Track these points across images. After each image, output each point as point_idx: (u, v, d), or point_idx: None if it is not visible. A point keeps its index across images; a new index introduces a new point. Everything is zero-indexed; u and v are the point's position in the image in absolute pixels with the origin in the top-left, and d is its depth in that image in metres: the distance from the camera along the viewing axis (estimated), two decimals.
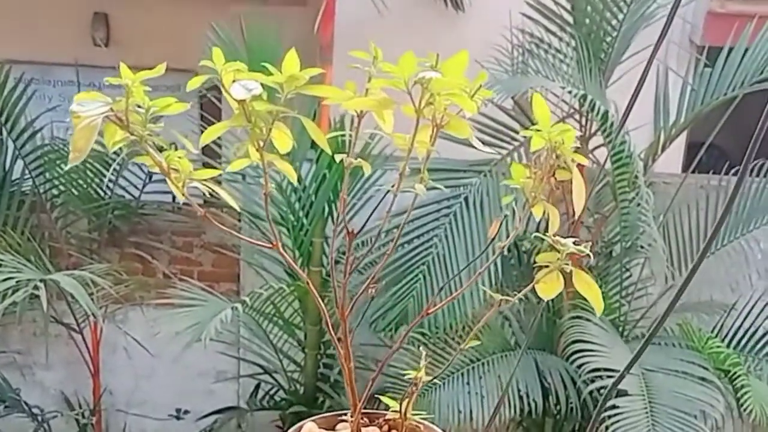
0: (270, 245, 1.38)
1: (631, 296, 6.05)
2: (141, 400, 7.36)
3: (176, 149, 1.29)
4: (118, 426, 7.28)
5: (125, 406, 7.33)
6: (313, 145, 5.45)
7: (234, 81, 1.21)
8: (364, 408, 1.50)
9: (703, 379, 5.30)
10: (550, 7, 5.72)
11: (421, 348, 1.47)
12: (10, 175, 6.34)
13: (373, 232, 5.35)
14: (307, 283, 1.47)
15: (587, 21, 5.71)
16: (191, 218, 6.81)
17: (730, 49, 5.58)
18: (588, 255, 1.29)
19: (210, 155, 5.71)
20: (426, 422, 1.50)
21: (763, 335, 5.91)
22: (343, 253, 1.52)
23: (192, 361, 6.92)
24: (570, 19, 5.72)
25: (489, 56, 5.51)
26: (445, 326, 5.49)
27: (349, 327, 1.44)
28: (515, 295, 1.44)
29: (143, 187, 6.64)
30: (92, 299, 5.61)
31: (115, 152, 1.23)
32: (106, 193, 6.55)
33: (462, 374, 5.54)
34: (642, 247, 5.68)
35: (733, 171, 5.94)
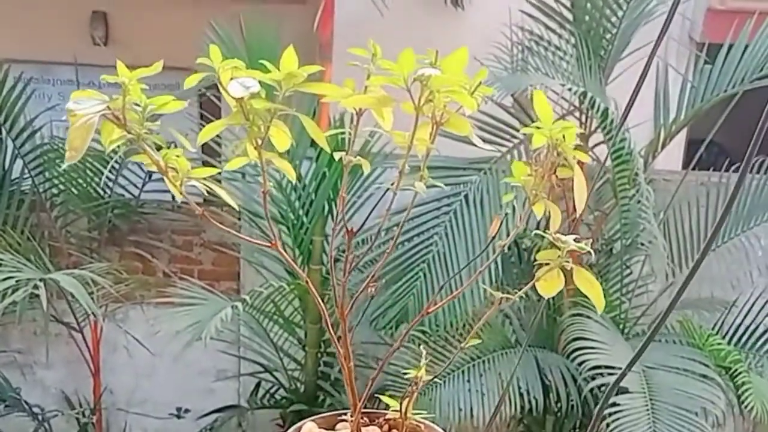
0: (269, 244, 1.37)
1: (631, 293, 6.04)
2: (141, 399, 7.36)
3: (176, 148, 1.28)
4: (119, 425, 7.27)
5: (126, 405, 7.33)
6: (313, 143, 5.47)
7: (232, 79, 1.20)
8: (365, 407, 1.49)
9: (704, 376, 5.29)
10: (550, 5, 5.71)
11: (421, 347, 1.46)
12: (10, 175, 6.33)
13: (373, 230, 5.36)
14: (307, 282, 1.46)
15: (587, 18, 5.70)
16: (191, 217, 6.80)
17: (730, 46, 5.57)
18: (589, 252, 1.28)
19: (210, 154, 5.71)
20: (427, 422, 1.50)
21: (764, 332, 5.90)
22: (343, 252, 1.51)
23: (192, 360, 6.92)
24: (569, 17, 5.71)
25: (488, 54, 5.50)
26: (445, 324, 5.48)
27: (349, 326, 1.44)
28: (516, 293, 1.43)
29: (143, 186, 6.64)
30: (92, 298, 5.61)
31: (114, 151, 1.23)
32: (105, 192, 6.54)
33: (462, 372, 5.53)
34: (642, 244, 5.67)
35: (733, 168, 5.93)
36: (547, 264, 1.33)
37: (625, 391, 4.99)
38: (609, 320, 5.67)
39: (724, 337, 5.81)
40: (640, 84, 2.60)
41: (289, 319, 6.13)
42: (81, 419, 6.86)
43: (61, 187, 6.43)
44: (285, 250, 1.37)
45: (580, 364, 5.26)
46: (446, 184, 5.49)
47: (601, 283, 1.35)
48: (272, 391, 6.56)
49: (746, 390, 5.27)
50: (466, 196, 5.56)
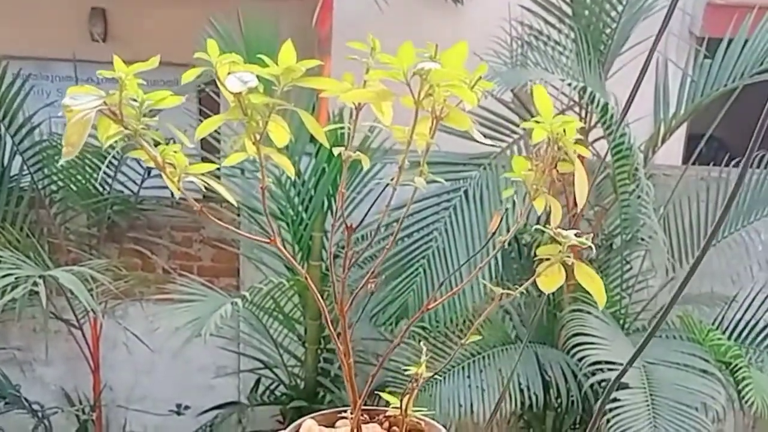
0: (268, 240, 1.36)
1: (631, 289, 6.04)
2: (141, 396, 7.35)
3: (174, 144, 1.27)
4: (119, 422, 7.27)
5: (125, 401, 7.33)
6: (312, 138, 5.46)
7: (229, 73, 1.19)
8: (365, 404, 1.48)
9: (704, 371, 5.28)
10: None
11: (422, 343, 1.45)
12: (9, 171, 6.33)
13: (373, 226, 5.35)
14: (306, 279, 1.45)
15: (586, 13, 5.69)
16: (190, 213, 6.79)
17: (730, 41, 5.56)
18: (590, 247, 1.27)
19: (209, 150, 5.70)
20: (427, 419, 1.49)
21: (764, 327, 5.90)
22: (343, 248, 1.50)
23: (192, 357, 6.92)
24: (569, 11, 5.70)
25: (488, 49, 5.49)
26: (445, 320, 5.47)
27: (348, 322, 1.43)
28: (516, 288, 1.42)
29: (142, 182, 6.63)
30: (92, 295, 5.61)
31: (112, 147, 1.22)
32: (104, 189, 6.53)
33: (462, 368, 5.52)
34: (642, 239, 5.67)
35: (733, 163, 5.92)
36: (547, 259, 1.32)
37: (625, 386, 4.99)
38: (609, 316, 5.66)
39: (724, 333, 5.80)
40: (640, 79, 2.58)
41: (289, 316, 6.13)
42: (81, 416, 6.86)
43: (60, 183, 6.42)
44: (284, 246, 1.36)
45: (580, 359, 5.25)
46: (446, 180, 5.48)
47: (601, 279, 1.34)
48: (272, 387, 6.56)
49: (746, 385, 5.27)
50: (465, 192, 5.55)
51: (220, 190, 1.28)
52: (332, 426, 1.52)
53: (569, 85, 5.27)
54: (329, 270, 5.76)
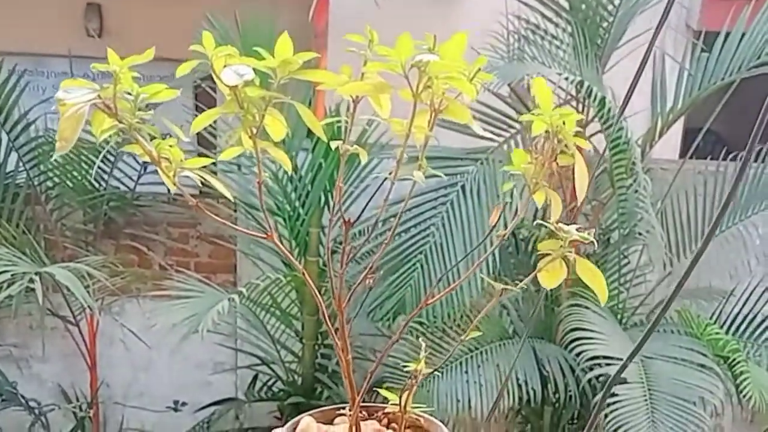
0: (265, 235, 1.35)
1: (629, 283, 6.04)
2: (138, 393, 7.35)
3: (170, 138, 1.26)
4: (116, 419, 7.26)
5: (123, 398, 7.32)
6: (309, 134, 5.47)
7: (225, 66, 1.17)
8: (363, 400, 1.47)
9: (702, 365, 5.28)
10: None
11: (420, 339, 1.44)
12: (4, 168, 6.31)
13: (370, 222, 5.34)
14: (303, 274, 1.44)
15: (583, 6, 5.67)
16: (187, 209, 6.78)
17: (727, 34, 5.55)
18: (591, 242, 1.26)
19: (206, 146, 5.69)
20: (426, 415, 1.48)
21: (762, 321, 5.90)
22: (340, 243, 1.48)
23: (189, 353, 6.91)
24: (566, 5, 5.69)
25: (485, 43, 5.48)
26: (443, 316, 5.47)
27: (346, 317, 1.42)
28: (516, 284, 1.41)
29: (138, 178, 6.61)
30: (88, 291, 5.59)
31: (107, 142, 1.20)
32: (101, 185, 6.52)
33: (460, 364, 5.52)
34: (640, 233, 5.66)
35: (730, 157, 5.92)
36: (548, 254, 1.30)
37: (623, 381, 4.98)
38: (607, 310, 5.66)
39: (722, 327, 5.80)
40: (639, 73, 2.58)
41: (286, 312, 6.12)
42: (78, 413, 6.85)
43: (56, 180, 6.40)
44: (281, 242, 1.34)
45: (578, 354, 5.25)
46: (443, 174, 5.48)
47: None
48: (269, 383, 6.55)
49: (744, 379, 5.28)
50: (462, 187, 5.54)
51: (216, 184, 1.27)
52: (331, 423, 1.51)
53: (566, 79, 5.26)
54: (327, 265, 5.76)
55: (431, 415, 1.49)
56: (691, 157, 6.06)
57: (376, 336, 5.76)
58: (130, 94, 1.16)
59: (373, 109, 1.30)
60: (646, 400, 5.02)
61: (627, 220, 5.66)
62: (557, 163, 1.25)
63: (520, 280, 1.40)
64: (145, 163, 6.53)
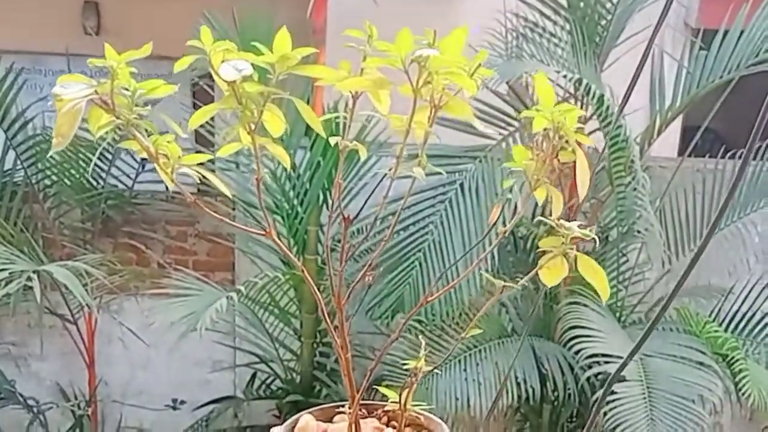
0: (264, 233, 1.34)
1: (628, 281, 6.03)
2: (137, 391, 7.34)
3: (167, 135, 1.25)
4: (114, 417, 7.25)
5: (121, 396, 7.31)
6: (307, 132, 5.46)
7: (223, 61, 1.16)
8: (362, 398, 1.46)
9: (701, 363, 5.28)
10: None
11: (420, 337, 1.43)
12: (2, 166, 6.30)
13: (369, 220, 5.33)
14: (302, 271, 1.43)
15: (581, 4, 5.66)
16: (185, 208, 6.78)
17: (726, 32, 5.54)
18: (593, 239, 1.25)
19: (204, 145, 5.68)
20: (426, 413, 1.47)
21: (761, 319, 5.90)
22: (339, 241, 1.47)
23: (188, 351, 6.90)
24: (564, 3, 5.68)
25: (483, 41, 5.47)
26: (441, 314, 5.46)
27: (345, 315, 1.41)
28: (516, 281, 1.40)
29: (136, 176, 6.61)
30: (86, 290, 5.58)
31: (103, 138, 1.19)
32: (98, 183, 6.51)
33: (459, 362, 5.51)
34: (639, 231, 5.65)
35: (729, 155, 5.92)
36: (549, 251, 1.29)
37: (622, 379, 4.97)
38: (606, 308, 5.66)
39: (721, 325, 5.80)
40: (638, 71, 2.57)
41: (285, 310, 6.11)
42: (76, 411, 6.84)
43: (54, 178, 6.40)
44: (280, 240, 1.33)
45: (577, 352, 5.24)
46: (442, 173, 5.46)
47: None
48: (268, 381, 6.54)
49: (743, 377, 5.27)
50: (461, 185, 5.53)
51: (214, 181, 1.26)
52: (330, 421, 1.50)
53: (564, 77, 5.25)
54: (326, 263, 5.74)
55: (431, 412, 1.48)
56: (689, 155, 6.05)
57: (375, 334, 5.76)
58: (127, 89, 1.15)
59: (372, 106, 1.29)
60: (644, 398, 5.01)
61: (626, 218, 5.66)
62: (558, 160, 1.24)
63: (519, 279, 1.39)
64: (143, 160, 6.55)
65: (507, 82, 5.52)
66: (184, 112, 5.41)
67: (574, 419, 6.07)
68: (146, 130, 1.18)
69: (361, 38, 1.26)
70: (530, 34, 5.68)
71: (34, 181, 6.35)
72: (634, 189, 5.31)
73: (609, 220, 5.96)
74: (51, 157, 6.22)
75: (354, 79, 1.23)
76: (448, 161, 5.51)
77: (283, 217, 5.74)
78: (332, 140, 1.32)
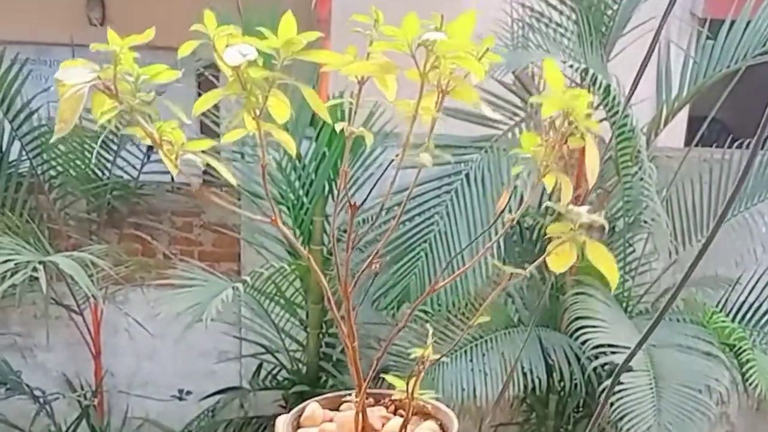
0: (269, 220, 1.33)
1: (634, 271, 6.01)
2: (143, 381, 7.34)
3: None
4: (120, 407, 7.25)
5: (127, 387, 7.31)
6: (313, 122, 5.44)
7: (227, 46, 1.15)
8: (369, 387, 1.45)
9: (708, 353, 5.27)
10: None
11: (428, 325, 1.42)
12: (8, 157, 6.30)
13: (375, 210, 5.32)
14: (308, 259, 1.42)
15: None
16: (191, 198, 6.78)
17: (732, 22, 5.52)
18: (602, 225, 1.24)
19: (209, 135, 5.66)
20: (434, 402, 1.46)
21: None
22: (345, 232, 1.46)
23: (194, 342, 6.90)
24: None
25: (489, 31, 5.44)
26: (447, 304, 5.45)
27: (352, 304, 1.40)
28: (523, 269, 1.39)
29: (141, 167, 6.60)
30: (92, 280, 5.58)
31: (104, 127, 1.18)
32: (104, 174, 6.51)
33: (465, 352, 5.50)
34: (645, 221, 5.64)
35: (736, 144, 5.90)
36: (558, 238, 1.28)
37: (629, 369, 4.96)
38: (612, 298, 5.64)
39: (728, 315, 5.79)
40: (646, 61, 2.55)
41: (291, 300, 6.10)
42: (82, 402, 6.84)
43: (60, 168, 6.39)
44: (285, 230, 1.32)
45: (583, 342, 5.23)
46: (447, 163, 5.46)
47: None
48: (274, 372, 6.54)
49: (750, 367, 5.26)
50: (467, 175, 5.52)
51: (218, 167, 1.25)
52: (336, 409, 1.49)
53: (571, 66, 5.23)
54: (332, 253, 5.73)
55: (438, 402, 1.47)
56: (696, 145, 6.03)
57: (381, 325, 5.74)
58: (130, 75, 1.13)
59: (379, 93, 1.28)
60: (651, 388, 5.00)
61: (632, 208, 5.64)
62: (568, 146, 1.23)
63: (525, 269, 1.38)
64: (148, 151, 6.55)
65: (513, 72, 5.50)
66: (189, 105, 5.39)
67: (581, 409, 6.06)
68: (150, 117, 1.17)
69: (367, 23, 1.25)
70: (536, 24, 5.66)
71: (39, 172, 6.35)
72: (641, 179, 5.29)
73: (615, 211, 5.93)
74: (56, 147, 6.22)
75: (360, 63, 1.22)
76: (453, 151, 5.50)
77: (288, 208, 5.72)
78: (338, 126, 1.31)
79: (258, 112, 1.18)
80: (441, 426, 1.49)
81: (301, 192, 5.69)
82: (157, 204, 6.89)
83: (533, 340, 5.59)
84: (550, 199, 1.32)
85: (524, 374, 5.44)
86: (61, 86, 1.08)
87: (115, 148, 6.45)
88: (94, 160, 6.36)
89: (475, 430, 6.35)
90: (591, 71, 5.10)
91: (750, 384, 5.22)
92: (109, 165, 6.50)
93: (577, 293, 5.45)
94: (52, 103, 6.34)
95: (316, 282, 5.79)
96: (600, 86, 5.10)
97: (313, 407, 1.46)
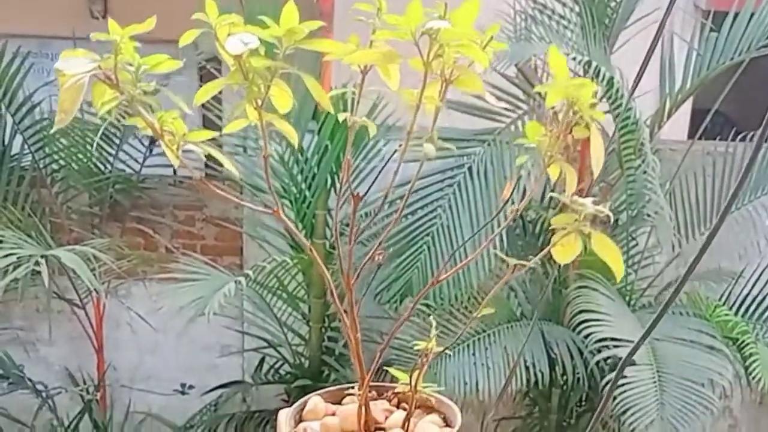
0: (271, 211, 1.32)
1: (637, 265, 6.00)
2: (145, 376, 7.34)
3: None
4: (123, 401, 7.26)
5: (129, 381, 7.32)
6: (315, 115, 5.43)
7: (229, 35, 1.14)
8: (372, 380, 1.44)
9: (711, 347, 5.25)
10: None
11: (431, 317, 1.41)
12: (10, 151, 6.29)
13: (377, 204, 5.30)
14: (311, 250, 1.41)
15: None
16: (193, 192, 6.77)
17: (736, 14, 5.50)
18: (608, 216, 1.23)
19: (212, 129, 5.65)
20: (437, 395, 1.45)
21: None
22: (347, 225, 1.45)
23: (196, 336, 6.90)
24: None
25: (492, 23, 5.42)
26: (450, 297, 5.44)
27: (354, 297, 1.39)
28: (524, 264, 1.37)
29: (144, 160, 6.59)
30: (94, 274, 5.58)
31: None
32: (106, 168, 6.50)
33: (468, 346, 5.49)
34: (648, 215, 5.62)
35: (739, 137, 5.88)
36: (563, 229, 1.27)
37: (632, 363, 4.95)
38: (615, 292, 5.63)
39: (731, 308, 5.77)
40: (650, 54, 2.54)
41: (293, 294, 6.09)
42: (85, 396, 6.84)
43: (62, 162, 6.38)
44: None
45: (586, 336, 5.22)
46: (450, 156, 5.45)
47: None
48: (276, 366, 6.54)
49: (754, 361, 5.25)
50: (469, 168, 5.50)
51: (220, 158, 1.24)
52: (339, 403, 1.49)
53: (574, 59, 5.21)
54: (334, 247, 5.72)
55: (441, 395, 1.46)
56: (699, 138, 6.01)
57: (383, 319, 5.73)
58: (131, 65, 1.12)
59: (382, 84, 1.27)
60: (654, 382, 4.99)
61: (635, 201, 5.62)
62: (572, 136, 1.22)
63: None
64: (150, 144, 6.54)
65: (516, 65, 5.48)
66: (191, 99, 5.38)
67: (583, 403, 6.06)
68: (151, 107, 1.16)
69: (370, 12, 1.24)
70: (539, 16, 5.63)
71: (41, 166, 6.34)
72: (644, 172, 5.27)
73: (618, 204, 5.92)
74: (58, 141, 6.21)
75: (363, 51, 1.21)
76: (456, 144, 5.48)
77: (291, 201, 5.71)
78: (341, 116, 1.30)
79: (260, 102, 1.17)
80: (444, 419, 1.48)
81: (303, 186, 5.69)
82: (160, 198, 6.88)
83: (536, 334, 5.58)
84: (553, 192, 1.30)
85: (527, 368, 5.43)
86: (61, 76, 1.07)
87: (117, 141, 6.44)
88: (96, 154, 6.36)
89: (477, 424, 6.34)
90: (594, 63, 5.08)
91: (753, 378, 5.21)
92: (111, 159, 6.49)
93: (580, 287, 5.44)
94: (54, 97, 6.31)
95: (319, 276, 5.78)
96: (603, 78, 5.09)
97: (315, 401, 1.45)
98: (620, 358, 5.01)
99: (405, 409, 1.46)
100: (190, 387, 7.35)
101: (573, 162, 1.27)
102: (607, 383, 5.20)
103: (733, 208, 5.80)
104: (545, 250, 1.30)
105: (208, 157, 1.27)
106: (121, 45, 1.10)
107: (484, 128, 5.53)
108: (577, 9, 5.60)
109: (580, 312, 5.29)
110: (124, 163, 6.58)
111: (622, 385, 4.91)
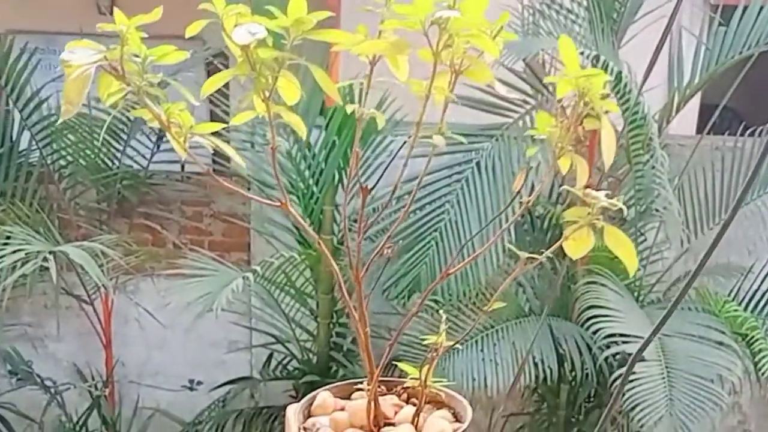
0: (279, 204, 1.31)
1: (646, 260, 5.98)
2: (153, 371, 7.35)
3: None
4: (131, 397, 7.26)
5: (138, 377, 7.32)
6: (323, 111, 5.42)
7: (236, 25, 1.12)
8: (381, 375, 1.43)
9: (720, 343, 5.23)
10: None
11: (441, 312, 1.40)
12: (17, 147, 6.29)
13: (385, 199, 5.29)
14: (319, 244, 1.40)
15: None
16: (201, 188, 6.77)
17: (745, 8, 5.48)
18: (621, 209, 1.21)
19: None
20: (447, 390, 1.44)
21: None
22: (355, 221, 1.44)
23: (204, 332, 6.90)
24: None
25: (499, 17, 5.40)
26: (458, 293, 5.42)
27: (363, 292, 1.38)
28: (534, 260, 1.36)
29: (151, 156, 6.59)
30: (102, 270, 5.57)
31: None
32: (114, 164, 6.50)
33: (476, 342, 5.48)
34: (657, 210, 5.60)
35: (748, 132, 5.86)
36: (575, 223, 1.25)
37: (641, 359, 4.94)
38: (623, 288, 5.61)
39: (740, 304, 5.75)
40: (659, 49, 2.53)
41: (301, 290, 6.09)
42: (93, 392, 6.85)
43: (69, 158, 6.38)
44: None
45: (594, 332, 5.20)
46: (458, 151, 5.44)
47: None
48: (284, 362, 6.53)
49: (763, 357, 5.22)
50: (477, 164, 5.48)
51: (227, 150, 1.23)
52: (348, 398, 1.47)
53: (582, 53, 5.19)
54: (342, 242, 5.71)
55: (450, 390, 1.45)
56: (708, 133, 5.99)
57: (391, 314, 5.72)
58: (137, 56, 1.11)
59: (390, 76, 1.26)
60: (663, 377, 4.98)
61: (644, 196, 5.60)
62: (583, 127, 1.20)
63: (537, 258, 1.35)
64: (158, 140, 6.54)
65: (524, 60, 5.46)
66: (198, 94, 5.38)
67: (592, 399, 6.04)
68: (157, 99, 1.15)
69: (378, 1, 1.22)
70: (547, 11, 5.61)
71: (49, 162, 6.34)
72: (653, 167, 5.25)
73: (627, 199, 5.89)
74: (66, 137, 6.21)
75: (371, 42, 1.19)
76: (464, 139, 5.46)
77: (298, 197, 5.71)
78: (349, 108, 1.28)
79: (267, 94, 1.16)
80: (454, 414, 1.47)
81: (311, 181, 5.68)
82: (167, 193, 6.88)
83: (544, 330, 5.56)
84: (562, 185, 1.29)
85: (535, 364, 5.41)
86: (67, 67, 1.06)
87: (124, 137, 6.44)
88: (104, 150, 6.36)
89: (486, 420, 6.33)
90: (602, 58, 5.05)
91: (762, 374, 5.19)
92: (118, 154, 6.49)
93: (589, 282, 5.42)
94: (62, 93, 6.33)
95: (327, 271, 5.78)
96: (611, 73, 5.06)
97: (324, 396, 1.44)
98: (629, 354, 4.99)
99: (414, 405, 1.45)
100: (198, 383, 7.35)
101: (582, 156, 1.25)
102: (616, 379, 5.19)
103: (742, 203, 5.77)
104: (557, 244, 1.29)
105: (216, 153, 1.26)
106: (127, 36, 1.09)
107: (491, 123, 5.51)
108: (585, 3, 5.58)
109: (589, 308, 5.27)
110: (132, 159, 6.57)
111: (631, 381, 4.89)
